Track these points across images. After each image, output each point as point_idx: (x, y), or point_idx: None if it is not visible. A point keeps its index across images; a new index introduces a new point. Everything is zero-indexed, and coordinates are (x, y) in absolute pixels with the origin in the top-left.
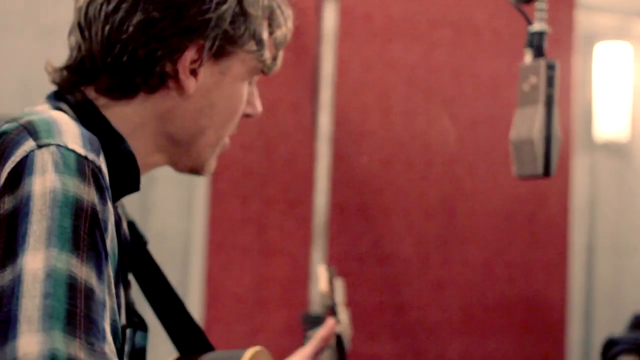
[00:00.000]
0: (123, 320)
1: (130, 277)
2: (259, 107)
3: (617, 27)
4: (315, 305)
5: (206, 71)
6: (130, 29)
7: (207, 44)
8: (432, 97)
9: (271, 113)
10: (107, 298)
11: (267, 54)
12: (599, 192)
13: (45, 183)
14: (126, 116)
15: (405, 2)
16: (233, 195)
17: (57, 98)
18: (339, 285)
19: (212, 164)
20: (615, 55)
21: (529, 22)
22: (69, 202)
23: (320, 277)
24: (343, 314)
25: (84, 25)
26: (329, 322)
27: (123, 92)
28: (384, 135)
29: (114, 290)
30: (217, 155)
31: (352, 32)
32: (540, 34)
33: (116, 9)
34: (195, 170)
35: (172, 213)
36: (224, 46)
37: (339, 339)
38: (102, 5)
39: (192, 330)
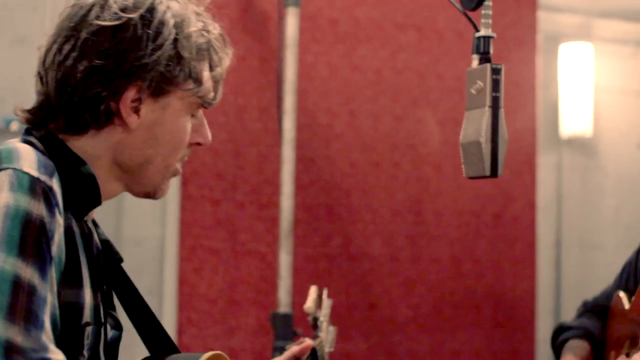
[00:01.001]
0: (87, 318)
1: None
2: (208, 136)
3: (580, 27)
4: (283, 306)
5: (147, 108)
6: (78, 75)
7: (145, 85)
8: (397, 99)
9: (240, 118)
10: (48, 295)
11: (204, 91)
12: (564, 188)
13: (1, 199)
14: (83, 149)
15: (370, 7)
16: (204, 199)
17: (27, 133)
18: (327, 305)
19: (164, 189)
20: (578, 55)
21: (476, 29)
22: (19, 215)
23: (309, 295)
24: (324, 331)
25: (42, 73)
26: (305, 340)
27: (77, 129)
28: (351, 137)
29: (56, 288)
30: (169, 180)
31: (318, 37)
32: (486, 39)
33: (66, 58)
34: (148, 194)
35: (146, 218)
36: (162, 86)
37: (313, 352)
38: (54, 55)
39: (160, 334)
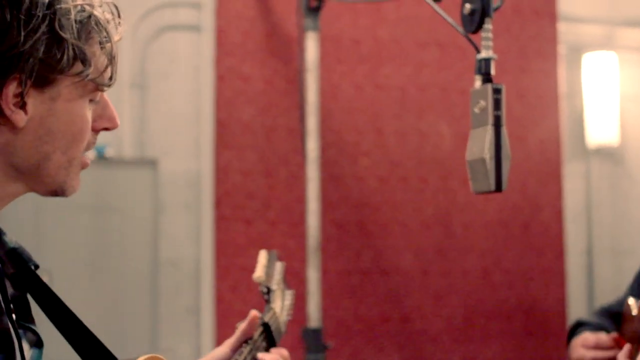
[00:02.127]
0: None
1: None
2: (115, 119)
3: (603, 37)
4: (313, 320)
5: (34, 101)
6: None
7: (25, 76)
8: (422, 116)
9: (268, 139)
10: None
11: (96, 72)
12: (594, 197)
13: None
14: None
15: (391, 26)
16: (237, 219)
17: None
18: (279, 269)
19: (73, 185)
20: (602, 65)
21: (477, 50)
22: None
23: (258, 262)
24: (278, 299)
25: None
26: (251, 313)
27: None
28: (378, 154)
29: None
30: (77, 174)
31: (342, 58)
32: (487, 61)
33: None
34: (55, 192)
35: (182, 239)
36: (45, 74)
37: (266, 327)
38: None
39: (90, 341)
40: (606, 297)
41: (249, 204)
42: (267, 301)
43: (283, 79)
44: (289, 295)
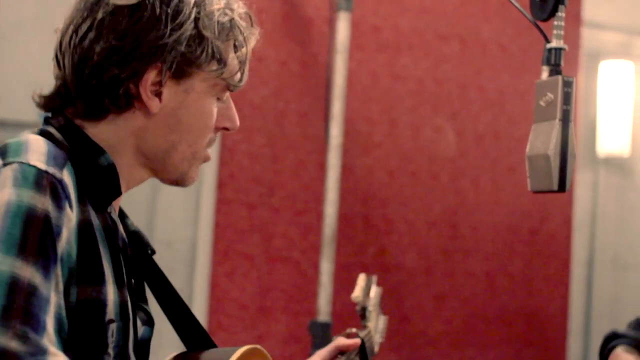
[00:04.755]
0: (111, 315)
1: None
2: (236, 120)
3: (622, 45)
4: (323, 314)
5: (170, 91)
6: (95, 57)
7: (166, 67)
8: (438, 110)
9: (279, 123)
10: (52, 294)
11: (229, 72)
12: (600, 207)
13: (3, 197)
14: (103, 135)
15: (413, 16)
16: (240, 203)
17: (45, 122)
18: (376, 293)
19: (193, 176)
20: (618, 73)
21: (547, 40)
22: (21, 211)
23: (357, 283)
24: (373, 320)
25: (59, 56)
26: (353, 331)
27: (95, 114)
28: (390, 146)
29: (62, 287)
30: (198, 167)
31: (361, 45)
32: (558, 51)
33: (82, 39)
34: (177, 182)
35: (179, 220)
36: (183, 67)
37: (362, 344)
38: (71, 37)
39: (196, 329)
40: (604, 310)
41: (253, 188)
42: (363, 320)
43: (299, 62)
44: (382, 319)
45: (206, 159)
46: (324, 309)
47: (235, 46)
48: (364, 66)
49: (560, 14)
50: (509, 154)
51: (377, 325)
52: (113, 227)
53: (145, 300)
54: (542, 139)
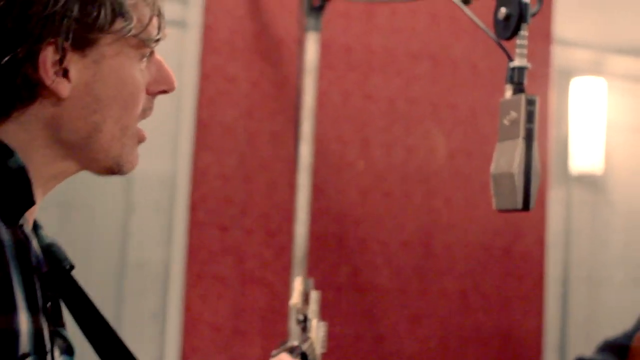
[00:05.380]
0: (25, 347)
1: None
2: (171, 80)
3: (593, 62)
4: (293, 336)
5: (77, 66)
6: None
7: (61, 40)
8: (410, 129)
9: (251, 144)
10: None
11: (140, 27)
12: (574, 224)
13: None
14: (14, 133)
15: (385, 36)
16: (212, 224)
17: None
18: (315, 299)
19: (131, 160)
20: (590, 90)
21: (510, 58)
22: None
23: (295, 288)
24: (314, 329)
25: None
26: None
27: (1, 112)
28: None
29: None
30: (133, 147)
31: (332, 64)
32: (521, 70)
33: None
34: (112, 170)
35: (151, 241)
36: (83, 35)
37: (303, 357)
38: None
39: (122, 352)
40: (580, 327)
41: (226, 210)
42: (304, 330)
43: (270, 82)
44: (322, 327)
45: (141, 138)
46: (295, 331)
47: None
48: (335, 86)
49: (523, 32)
50: (482, 172)
51: (318, 334)
52: (25, 242)
53: (63, 325)
54: (506, 158)
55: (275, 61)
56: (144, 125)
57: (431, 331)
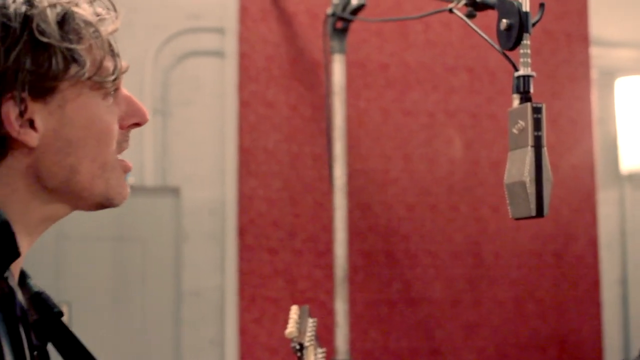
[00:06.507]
0: None
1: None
2: (143, 112)
3: (635, 61)
4: (341, 354)
5: (41, 114)
6: None
7: (18, 93)
8: (452, 141)
9: (294, 166)
10: None
11: (94, 69)
12: (628, 224)
13: None
14: None
15: (420, 50)
16: (261, 248)
17: None
18: (311, 325)
19: (118, 191)
20: (635, 89)
21: (515, 68)
22: None
23: (290, 317)
24: (312, 357)
25: None
26: None
27: None
28: (406, 181)
29: None
30: (119, 178)
31: (370, 83)
32: (526, 78)
33: None
34: (102, 204)
35: (205, 269)
36: (40, 85)
37: None
38: None
39: None
40: None
41: (274, 233)
42: (300, 357)
43: (308, 105)
44: (320, 354)
45: (126, 168)
46: (342, 349)
47: (85, 38)
48: (374, 104)
49: (526, 42)
50: None
51: None
52: (9, 295)
53: None
54: (517, 166)
55: (311, 84)
56: (189, 152)
57: (487, 340)
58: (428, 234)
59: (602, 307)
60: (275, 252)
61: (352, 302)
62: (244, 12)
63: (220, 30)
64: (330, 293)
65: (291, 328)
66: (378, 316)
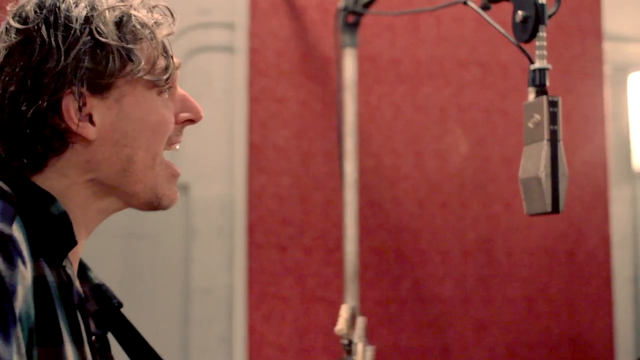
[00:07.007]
0: None
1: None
2: (198, 109)
3: None
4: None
5: (99, 109)
6: (7, 107)
7: (77, 89)
8: (463, 137)
9: (304, 163)
10: (15, 358)
11: (148, 68)
12: None
13: None
14: (54, 180)
15: (431, 45)
16: (270, 245)
17: None
18: (361, 324)
19: (168, 194)
20: None
21: (531, 61)
22: None
23: (340, 315)
24: (360, 354)
25: None
26: None
27: (35, 165)
28: (417, 178)
29: (24, 350)
30: (169, 182)
31: (381, 78)
32: (542, 71)
33: None
34: (152, 203)
35: (214, 267)
36: (98, 81)
37: None
38: None
39: None
40: None
41: (284, 230)
42: (349, 353)
43: (319, 101)
44: (370, 351)
45: (175, 174)
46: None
47: (141, 39)
48: (385, 99)
49: (542, 34)
50: None
51: (364, 358)
52: (67, 282)
53: (111, 358)
54: (533, 161)
55: (322, 80)
56: (199, 149)
57: (498, 339)
58: (439, 231)
59: (615, 305)
60: (284, 249)
61: (362, 300)
62: (254, 7)
63: (230, 26)
64: (340, 291)
65: (341, 325)
66: (388, 314)
